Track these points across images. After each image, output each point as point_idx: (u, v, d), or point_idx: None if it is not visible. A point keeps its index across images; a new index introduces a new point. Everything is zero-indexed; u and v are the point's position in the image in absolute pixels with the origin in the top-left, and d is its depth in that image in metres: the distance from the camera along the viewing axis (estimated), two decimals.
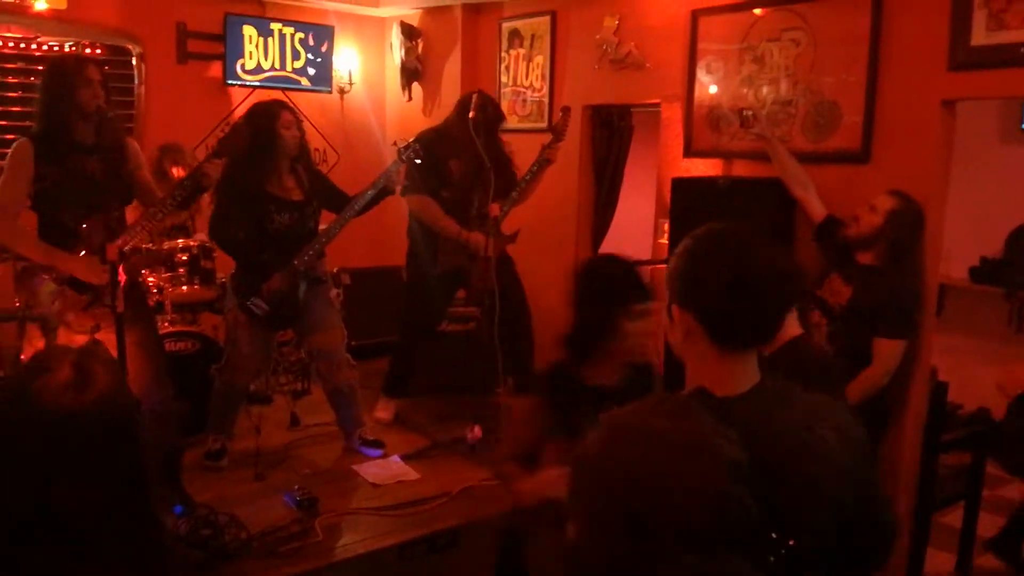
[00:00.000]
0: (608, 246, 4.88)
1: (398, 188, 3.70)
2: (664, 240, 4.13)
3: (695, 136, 4.10)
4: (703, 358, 1.33)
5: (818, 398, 1.40)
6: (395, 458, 3.71)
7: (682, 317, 1.32)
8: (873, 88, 3.44)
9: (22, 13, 4.56)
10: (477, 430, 3.72)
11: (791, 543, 1.27)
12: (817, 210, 3.34)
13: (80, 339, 3.07)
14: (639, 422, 1.20)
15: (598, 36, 4.57)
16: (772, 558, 1.26)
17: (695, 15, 4.06)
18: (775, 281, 1.28)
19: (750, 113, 3.48)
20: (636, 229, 5.24)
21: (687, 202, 3.71)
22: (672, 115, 4.25)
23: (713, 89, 4.05)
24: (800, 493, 1.29)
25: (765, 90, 3.82)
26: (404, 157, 3.62)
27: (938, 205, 3.32)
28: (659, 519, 1.13)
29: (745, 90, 3.93)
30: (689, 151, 4.12)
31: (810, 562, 1.31)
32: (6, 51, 4.59)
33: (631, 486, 1.14)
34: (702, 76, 4.10)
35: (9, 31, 4.56)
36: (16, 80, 4.56)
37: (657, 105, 4.35)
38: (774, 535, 1.26)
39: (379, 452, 3.75)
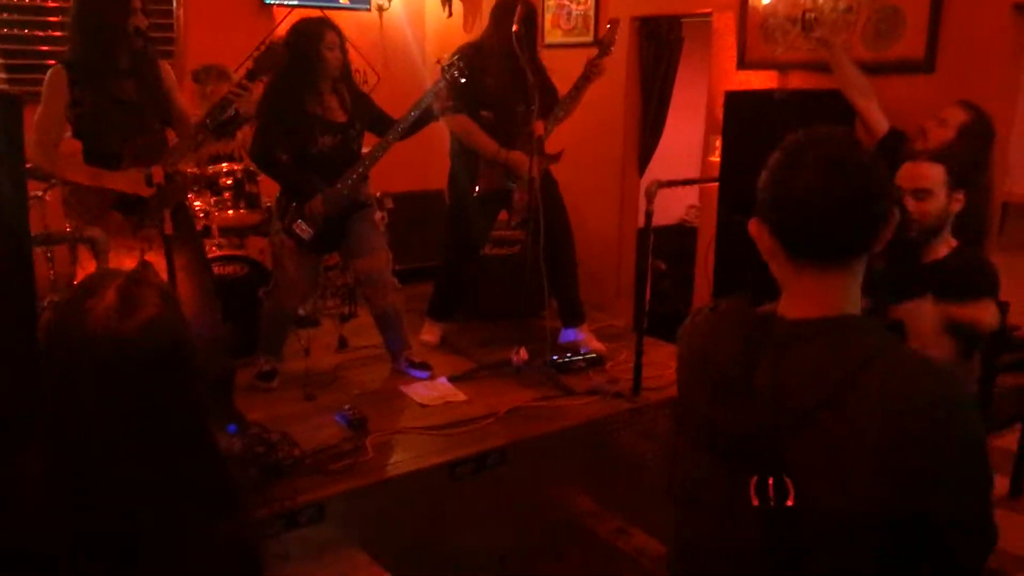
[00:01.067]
0: (656, 165, 4.75)
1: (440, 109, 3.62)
2: (715, 158, 3.99)
3: (749, 47, 3.92)
4: (783, 275, 1.26)
5: (907, 361, 1.17)
6: (442, 379, 3.73)
7: (759, 230, 1.26)
8: None
9: None
10: (523, 352, 3.71)
11: (788, 503, 1.13)
12: (880, 122, 3.18)
13: (129, 262, 3.11)
14: (696, 320, 1.35)
15: None
16: (758, 504, 1.14)
17: None
18: (865, 196, 1.18)
19: (813, 16, 3.27)
20: (685, 147, 5.08)
21: (740, 117, 3.56)
22: (724, 25, 4.05)
23: None
24: (812, 454, 1.13)
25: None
26: (448, 76, 3.52)
27: (1007, 118, 3.15)
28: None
29: None
30: (742, 63, 3.95)
31: (817, 546, 1.13)
32: None
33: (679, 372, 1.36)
34: None
35: None
36: (54, 4, 4.52)
37: (708, 15, 4.15)
38: (771, 480, 1.14)
39: (426, 374, 3.78)
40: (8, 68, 4.51)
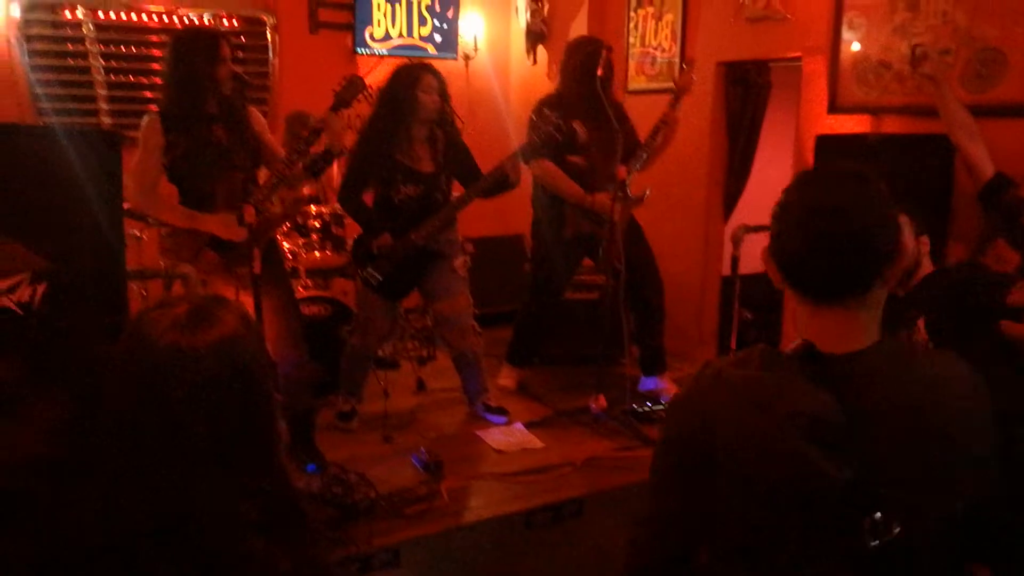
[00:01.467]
0: (742, 211, 4.65)
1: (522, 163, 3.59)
2: None
3: (840, 91, 3.82)
4: (800, 310, 1.27)
5: (947, 365, 1.24)
6: (519, 425, 3.68)
7: (769, 266, 1.29)
8: None
9: None
10: (601, 400, 3.64)
11: (897, 530, 1.14)
12: (986, 166, 3.02)
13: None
14: (723, 369, 1.23)
15: None
16: (874, 543, 1.13)
17: None
18: (850, 236, 1.18)
19: (923, 50, 3.12)
20: (772, 192, 4.93)
21: (832, 161, 3.45)
22: (815, 69, 3.97)
23: (860, 40, 3.75)
24: (912, 471, 1.16)
25: (920, 39, 3.50)
26: (525, 158, 3.49)
27: None
28: (729, 468, 1.17)
29: (897, 40, 3.63)
30: (834, 107, 3.85)
31: (921, 558, 1.18)
32: (150, 24, 4.80)
33: (707, 431, 1.19)
34: (848, 26, 3.81)
35: (152, 3, 4.76)
36: (160, 53, 4.76)
37: (798, 59, 4.08)
38: (878, 515, 1.13)
39: (503, 419, 3.74)
40: (114, 113, 4.76)
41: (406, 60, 3.73)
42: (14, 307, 1.78)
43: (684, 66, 3.81)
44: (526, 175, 3.98)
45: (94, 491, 1.10)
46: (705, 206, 4.67)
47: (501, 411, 3.78)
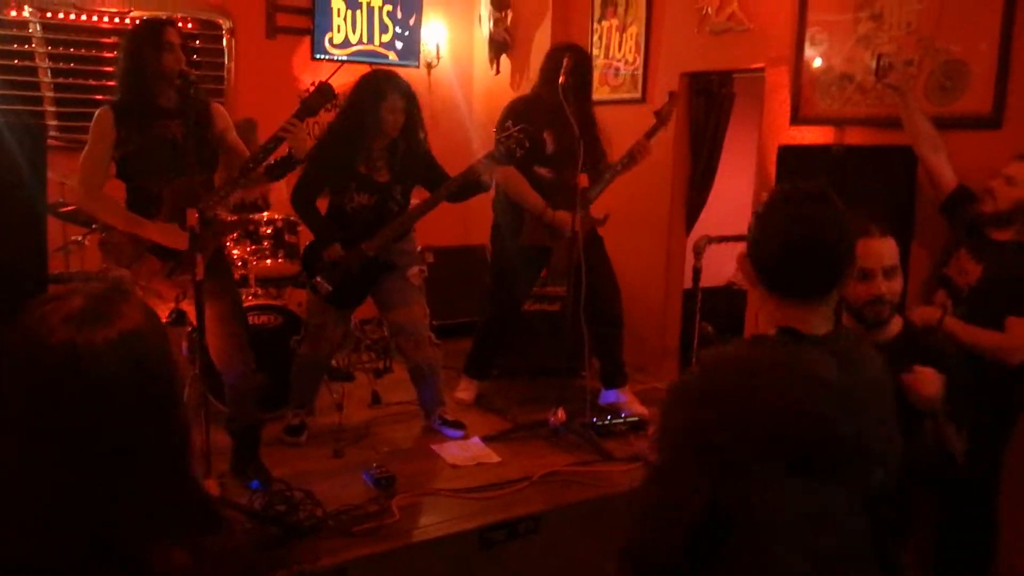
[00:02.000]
0: (704, 221, 4.61)
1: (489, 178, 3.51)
2: None
3: (804, 102, 3.80)
4: (777, 304, 1.47)
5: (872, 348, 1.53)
6: (475, 439, 3.57)
7: (748, 270, 1.50)
8: (1008, 44, 3.11)
9: None
10: (561, 413, 3.54)
11: (881, 474, 1.42)
12: (948, 178, 3.00)
13: (162, 308, 3.05)
14: (738, 354, 1.44)
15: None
16: (865, 488, 1.41)
17: None
18: (820, 246, 1.41)
19: (888, 61, 3.10)
20: (734, 203, 4.93)
21: (795, 172, 3.41)
22: (778, 80, 3.94)
23: (824, 51, 3.74)
24: (882, 427, 1.44)
25: (883, 50, 3.48)
26: (503, 148, 3.39)
27: None
28: (757, 443, 1.33)
29: (860, 51, 3.61)
30: (797, 118, 3.83)
31: (886, 500, 1.46)
32: (102, 25, 4.65)
33: (723, 415, 1.35)
34: (812, 37, 3.79)
35: (105, 5, 4.61)
36: (110, 55, 4.61)
37: (761, 70, 4.05)
38: (867, 465, 1.41)
39: (460, 433, 3.62)
40: (62, 115, 4.60)
41: (373, 67, 3.64)
42: None
43: (669, 96, 3.75)
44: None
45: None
46: (668, 218, 4.62)
47: (458, 425, 3.67)
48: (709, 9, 4.25)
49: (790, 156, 3.51)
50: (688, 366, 3.49)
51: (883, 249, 2.12)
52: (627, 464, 3.32)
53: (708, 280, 3.54)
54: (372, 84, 3.40)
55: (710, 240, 3.30)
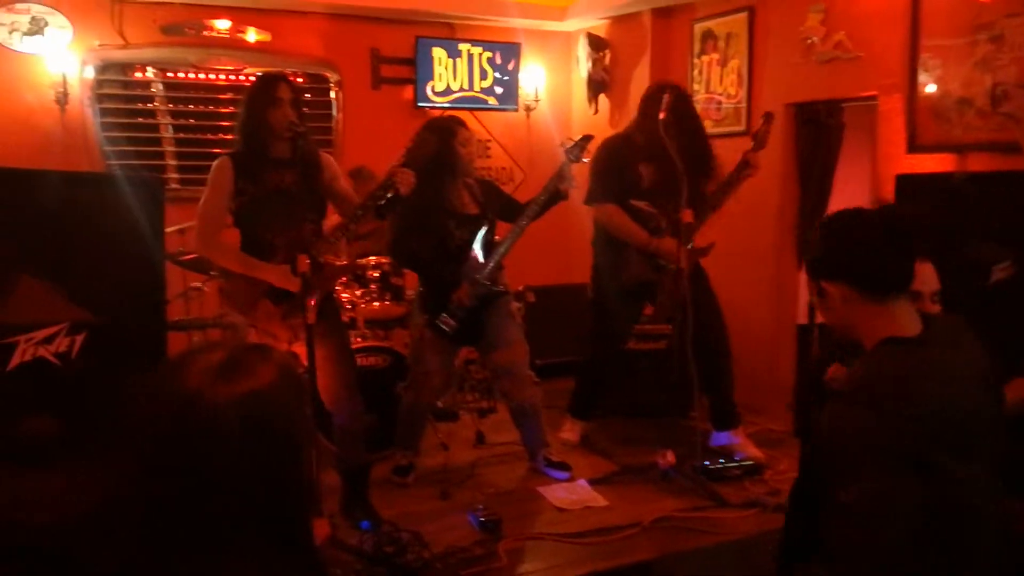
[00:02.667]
0: None
1: (578, 195, 3.56)
2: None
3: (920, 129, 3.63)
4: (871, 315, 1.60)
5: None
6: (582, 482, 3.50)
7: (835, 288, 1.62)
8: None
9: (234, 46, 4.88)
10: (670, 455, 3.43)
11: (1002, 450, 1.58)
12: None
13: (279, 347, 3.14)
14: (888, 367, 1.56)
15: (802, 28, 4.20)
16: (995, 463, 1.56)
17: None
18: (904, 231, 1.59)
19: (1002, 89, 2.94)
20: None
21: (914, 202, 3.25)
22: (891, 107, 3.78)
23: (939, 76, 3.57)
24: (995, 409, 1.61)
25: (1005, 73, 3.30)
26: (572, 156, 3.52)
27: None
28: (940, 441, 1.47)
29: (979, 74, 3.43)
30: (913, 146, 3.66)
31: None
32: (219, 82, 4.92)
33: (923, 421, 1.46)
34: (925, 62, 3.63)
35: (220, 63, 4.88)
36: (226, 110, 4.87)
37: (872, 98, 3.90)
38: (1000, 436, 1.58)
39: (565, 475, 3.57)
40: (181, 169, 4.87)
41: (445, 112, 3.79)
42: (51, 358, 1.74)
43: (764, 118, 3.68)
44: (588, 220, 3.89)
45: (109, 554, 1.00)
46: (775, 252, 4.47)
47: (563, 466, 3.61)
48: (815, 38, 4.14)
49: (909, 185, 3.35)
50: (803, 404, 3.34)
51: (930, 274, 2.19)
52: (743, 510, 3.18)
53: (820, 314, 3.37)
54: (439, 124, 3.55)
55: None
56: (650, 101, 3.65)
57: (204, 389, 0.97)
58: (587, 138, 3.62)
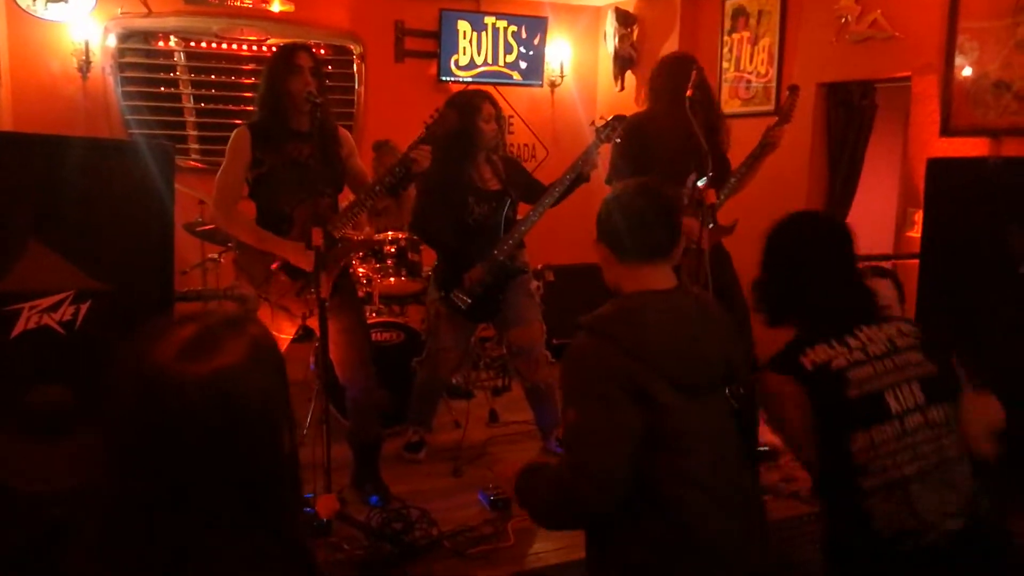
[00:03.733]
0: None
1: (600, 175, 3.49)
2: (914, 232, 3.56)
3: (955, 112, 3.52)
4: (626, 275, 1.82)
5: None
6: None
7: (599, 248, 1.85)
8: None
9: (257, 16, 4.84)
10: None
11: (741, 390, 1.78)
12: None
13: (290, 325, 3.12)
14: (620, 307, 1.76)
15: (836, 7, 4.08)
16: (734, 403, 1.75)
17: None
18: (663, 206, 1.84)
19: None
20: (876, 221, 4.61)
21: (946, 187, 3.13)
22: (925, 89, 3.67)
23: (977, 57, 3.45)
24: (739, 351, 1.85)
25: None
26: (603, 137, 3.42)
27: None
28: (656, 379, 1.63)
29: (1019, 56, 3.31)
30: (947, 129, 3.55)
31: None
32: (241, 53, 4.89)
33: (631, 360, 1.64)
34: (963, 44, 3.51)
35: (243, 34, 4.85)
36: (248, 81, 4.84)
37: (906, 79, 3.78)
38: (734, 385, 1.77)
39: None
40: (202, 139, 4.86)
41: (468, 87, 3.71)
42: (55, 326, 1.72)
43: (790, 91, 3.57)
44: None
45: (90, 534, 0.97)
46: None
47: None
48: (849, 17, 4.02)
49: (940, 170, 3.23)
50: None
51: (884, 289, 2.15)
52: None
53: None
54: (463, 99, 3.46)
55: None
56: (677, 77, 3.55)
57: (169, 366, 0.92)
58: (619, 118, 3.53)
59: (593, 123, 3.51)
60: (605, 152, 3.62)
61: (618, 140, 3.46)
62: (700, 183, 3.28)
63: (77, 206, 1.82)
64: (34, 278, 1.80)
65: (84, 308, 1.76)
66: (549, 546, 2.78)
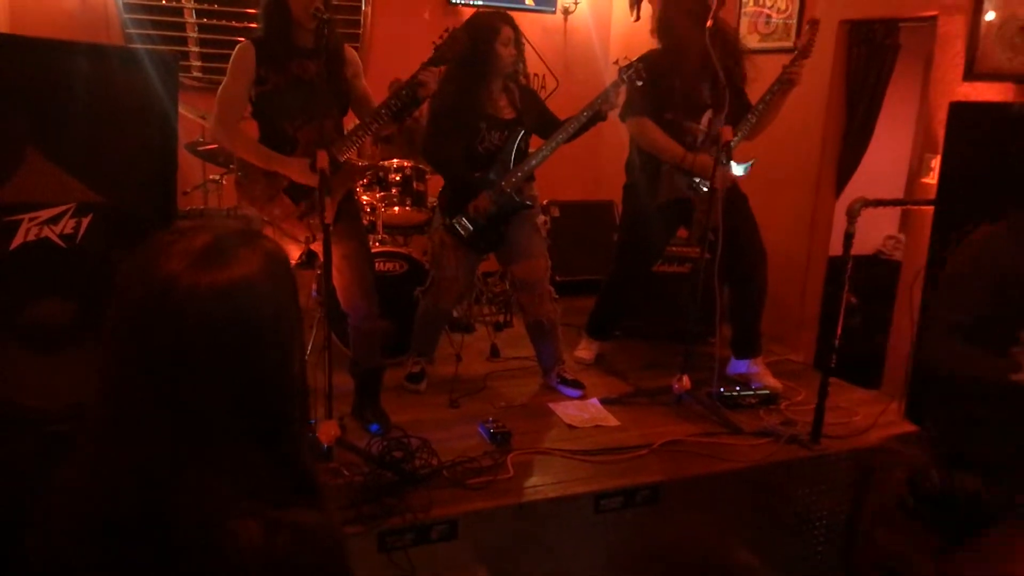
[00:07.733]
0: (855, 182, 4.25)
1: (613, 112, 3.39)
2: (930, 179, 3.49)
3: (981, 55, 3.40)
4: None
5: None
6: (594, 401, 3.47)
7: None
8: None
9: None
10: (685, 380, 3.38)
11: None
12: None
13: (294, 249, 3.08)
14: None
15: None
16: None
17: None
18: None
19: None
20: (889, 166, 4.53)
21: (967, 133, 3.05)
22: (951, 30, 3.54)
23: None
24: None
25: None
26: (625, 77, 3.29)
27: None
28: None
29: None
30: (971, 73, 3.43)
31: None
32: None
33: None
34: None
35: None
36: None
37: (931, 19, 3.65)
38: None
39: (578, 392, 3.53)
40: (205, 57, 4.73)
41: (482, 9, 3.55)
42: (56, 239, 1.68)
43: (809, 25, 3.45)
44: (621, 137, 3.74)
45: (83, 449, 0.95)
46: (816, 178, 4.29)
47: (576, 384, 3.57)
48: None
49: (962, 115, 3.14)
50: (829, 338, 3.26)
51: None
52: (755, 439, 3.14)
53: (856, 247, 3.24)
54: (482, 20, 3.33)
55: (867, 203, 3.00)
56: (694, 7, 3.43)
57: (181, 274, 0.89)
58: (644, 59, 3.40)
59: (617, 62, 3.37)
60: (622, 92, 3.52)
61: (639, 84, 3.32)
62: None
63: (77, 115, 1.75)
64: (34, 189, 1.74)
65: (85, 222, 1.71)
66: (547, 479, 2.80)
